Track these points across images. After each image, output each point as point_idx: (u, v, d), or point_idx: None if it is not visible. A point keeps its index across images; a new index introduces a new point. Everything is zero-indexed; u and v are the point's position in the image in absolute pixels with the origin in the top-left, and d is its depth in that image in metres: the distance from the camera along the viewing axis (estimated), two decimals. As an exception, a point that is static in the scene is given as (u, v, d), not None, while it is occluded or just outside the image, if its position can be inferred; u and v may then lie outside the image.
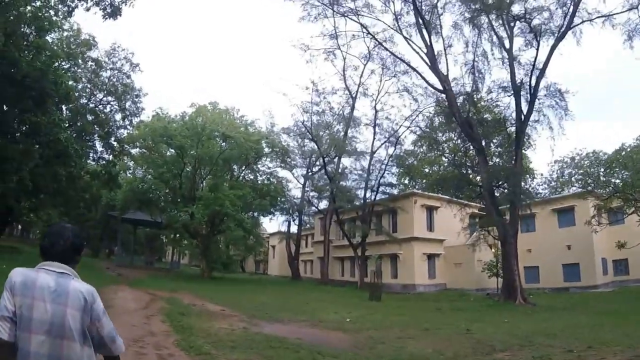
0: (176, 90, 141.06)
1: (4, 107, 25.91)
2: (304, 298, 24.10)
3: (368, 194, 39.98)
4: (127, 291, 19.35)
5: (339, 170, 41.58)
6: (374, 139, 40.86)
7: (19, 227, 56.01)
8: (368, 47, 37.74)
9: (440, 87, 28.33)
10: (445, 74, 27.93)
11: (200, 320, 12.56)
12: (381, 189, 40.18)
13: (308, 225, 55.36)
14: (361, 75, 41.64)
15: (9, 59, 22.26)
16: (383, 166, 40.36)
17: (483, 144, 27.80)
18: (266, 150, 38.12)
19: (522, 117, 26.21)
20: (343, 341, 11.14)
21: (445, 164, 44.00)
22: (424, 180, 47.21)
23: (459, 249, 35.87)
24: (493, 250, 31.06)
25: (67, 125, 31.75)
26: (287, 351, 9.04)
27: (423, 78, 30.55)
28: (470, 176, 31.18)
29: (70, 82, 31.65)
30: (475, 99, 29.09)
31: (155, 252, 57.10)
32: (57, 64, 27.30)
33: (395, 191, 41.89)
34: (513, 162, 26.94)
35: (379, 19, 32.76)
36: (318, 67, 62.92)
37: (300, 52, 42.75)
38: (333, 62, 42.00)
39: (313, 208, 49.96)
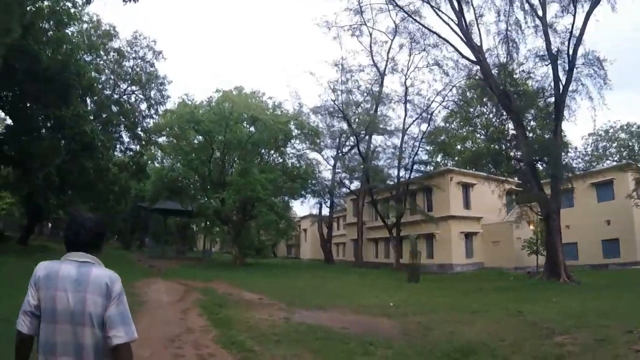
0: (192, 76, 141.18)
1: (27, 103, 26.02)
2: (340, 282, 23.55)
3: (401, 173, 39.21)
4: (160, 283, 18.98)
5: (371, 150, 40.85)
6: (406, 115, 39.93)
7: (50, 225, 56.75)
8: (395, 22, 36.60)
9: (474, 59, 27.20)
10: (478, 44, 26.83)
11: (239, 311, 12.05)
12: (415, 167, 39.37)
13: (339, 207, 54.76)
14: (389, 51, 40.48)
15: (29, 53, 22.04)
16: (416, 143, 39.43)
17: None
18: (295, 132, 37.49)
19: (561, 87, 24.90)
20: (391, 328, 10.48)
21: (480, 140, 42.65)
22: (457, 157, 45.83)
23: (497, 227, 34.95)
24: (532, 227, 30.18)
25: (92, 117, 31.87)
26: (335, 343, 8.44)
27: (456, 49, 29.26)
28: (507, 151, 29.92)
29: (93, 74, 31.71)
30: (510, 70, 27.88)
31: (187, 242, 57.41)
32: (78, 56, 27.20)
33: (429, 169, 40.97)
34: (552, 134, 25.79)
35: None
36: (343, 45, 61.13)
37: (324, 30, 41.20)
38: (359, 38, 40.67)
39: (344, 189, 49.39)
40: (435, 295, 17.79)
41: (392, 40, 39.35)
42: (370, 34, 39.93)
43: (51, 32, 24.86)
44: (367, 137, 41.06)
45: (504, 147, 29.63)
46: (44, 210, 33.62)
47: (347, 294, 17.59)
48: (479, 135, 41.51)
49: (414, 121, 39.66)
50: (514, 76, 28.23)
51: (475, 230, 35.70)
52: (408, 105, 40.13)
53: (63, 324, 2.20)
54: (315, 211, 51.15)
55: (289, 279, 24.60)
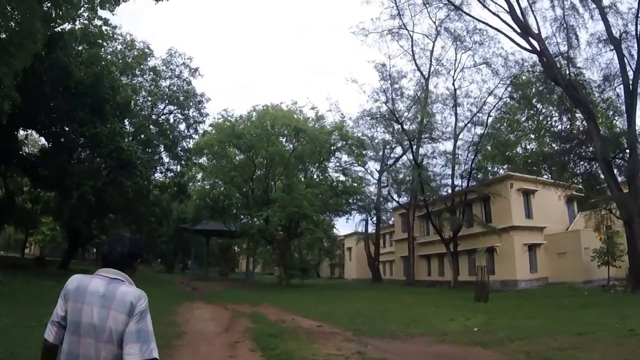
0: (223, 89, 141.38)
1: (61, 123, 25.21)
2: (401, 303, 21.17)
3: (456, 182, 36.74)
4: (203, 308, 17.62)
5: (420, 159, 38.87)
6: (456, 120, 37.67)
7: (94, 249, 56.88)
8: (434, 22, 35.41)
9: (530, 48, 25.29)
10: (536, 32, 25.02)
11: (299, 344, 10.07)
12: (472, 174, 36.67)
13: (385, 223, 52.44)
14: (431, 53, 38.81)
15: (58, 65, 21.07)
16: (471, 148, 36.76)
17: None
18: (339, 144, 36.03)
19: (631, 74, 22.53)
20: (496, 362, 8.70)
21: (536, 142, 40.10)
22: (517, 161, 42.93)
23: (562, 237, 32.03)
24: (599, 235, 27.64)
25: (130, 138, 31.31)
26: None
27: (512, 40, 27.10)
28: (576, 150, 27.41)
29: (129, 92, 31.24)
30: (572, 58, 25.73)
31: (229, 263, 56.72)
32: (112, 70, 26.65)
33: (487, 176, 38.22)
34: (627, 126, 23.30)
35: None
36: (383, 51, 58.34)
37: (361, 37, 39.34)
38: (399, 42, 38.94)
39: (390, 204, 47.58)
40: (518, 316, 15.55)
41: (434, 41, 37.91)
42: (411, 37, 38.36)
43: (84, 52, 24.39)
44: (414, 146, 39.24)
45: (571, 145, 27.20)
46: (84, 234, 33.14)
47: (416, 317, 15.43)
48: (533, 136, 39.11)
49: (465, 125, 37.31)
50: (577, 65, 26.15)
51: (538, 241, 32.77)
52: (458, 109, 38.13)
53: (86, 337, 2.23)
54: (360, 228, 49.30)
55: (343, 301, 22.59)
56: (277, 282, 35.77)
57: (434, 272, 39.98)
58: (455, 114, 37.73)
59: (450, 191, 36.87)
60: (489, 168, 38.64)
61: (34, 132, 29.93)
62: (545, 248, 32.95)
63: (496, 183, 34.22)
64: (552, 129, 30.42)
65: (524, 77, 32.71)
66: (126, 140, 26.99)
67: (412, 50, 38.36)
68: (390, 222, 53.46)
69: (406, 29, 37.01)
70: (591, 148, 24.79)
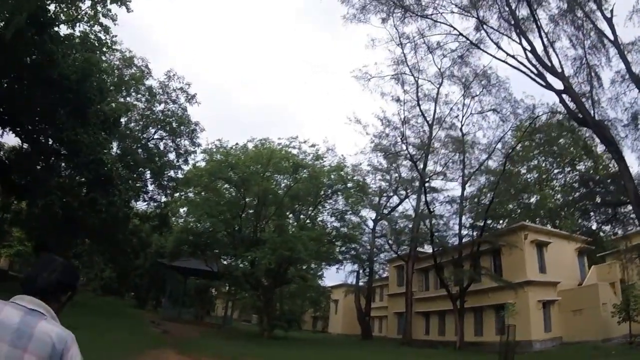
0: (215, 122, 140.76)
1: (39, 119, 23.37)
2: None
3: (464, 232, 34.83)
4: None
5: (420, 208, 37.31)
6: (464, 166, 36.56)
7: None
8: (440, 69, 35.46)
9: (556, 88, 24.41)
10: (559, 71, 24.14)
11: None
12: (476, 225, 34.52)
13: (377, 276, 50.27)
14: (436, 100, 38.14)
15: (44, 51, 19.37)
16: (485, 195, 35.14)
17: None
18: (337, 185, 34.39)
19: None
20: None
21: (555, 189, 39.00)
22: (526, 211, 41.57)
23: (578, 292, 30.02)
24: (614, 289, 25.98)
25: (115, 158, 29.62)
26: None
27: (535, 80, 25.80)
28: (602, 194, 26.15)
29: (120, 106, 29.76)
30: (596, 99, 24.84)
31: (206, 305, 53.97)
32: (104, 78, 25.15)
33: (498, 225, 36.48)
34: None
35: (459, 32, 29.42)
36: (386, 95, 58.06)
37: (363, 82, 38.67)
38: (403, 86, 38.16)
39: (382, 256, 45.73)
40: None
41: (438, 87, 37.28)
42: (417, 81, 37.59)
43: (77, 54, 22.84)
44: (424, 188, 37.83)
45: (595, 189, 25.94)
46: (50, 251, 30.64)
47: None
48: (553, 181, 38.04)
49: (474, 172, 36.22)
50: (601, 105, 25.24)
51: (552, 298, 30.64)
52: (467, 155, 36.80)
53: None
54: (350, 280, 47.00)
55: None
56: (258, 332, 33.09)
57: (433, 331, 37.53)
58: (463, 161, 36.54)
59: (455, 242, 34.93)
60: (501, 220, 36.81)
61: (8, 132, 28.27)
62: (559, 305, 31.02)
63: (509, 234, 32.14)
64: (562, 177, 29.54)
65: (537, 124, 31.99)
66: (106, 151, 25.29)
67: (417, 96, 37.67)
68: (384, 275, 51.44)
69: (412, 74, 36.60)
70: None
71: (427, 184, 37.07)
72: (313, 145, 33.26)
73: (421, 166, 37.65)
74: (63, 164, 28.86)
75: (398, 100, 38.46)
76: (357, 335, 42.88)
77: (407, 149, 38.52)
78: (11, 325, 1.89)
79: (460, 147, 36.15)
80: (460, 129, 36.94)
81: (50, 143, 25.47)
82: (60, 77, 19.92)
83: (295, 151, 33.09)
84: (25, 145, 27.59)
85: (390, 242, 40.84)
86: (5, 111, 23.73)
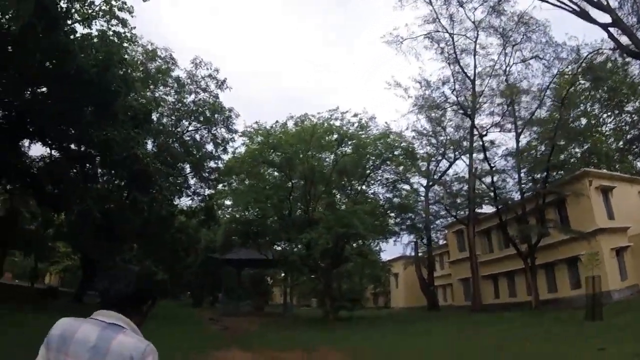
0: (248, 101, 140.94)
1: (63, 120, 23.16)
2: (493, 334, 17.97)
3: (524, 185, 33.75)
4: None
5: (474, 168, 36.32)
6: (515, 119, 35.02)
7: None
8: (474, 22, 34.57)
9: (602, 23, 23.11)
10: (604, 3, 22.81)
11: None
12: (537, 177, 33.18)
13: (435, 244, 49.51)
14: (474, 53, 36.89)
15: (57, 45, 18.73)
16: (542, 146, 33.64)
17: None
18: (386, 154, 33.68)
19: None
20: None
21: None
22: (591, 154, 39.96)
23: None
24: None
25: (150, 151, 29.74)
26: None
27: (579, 16, 24.83)
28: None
29: (149, 99, 29.72)
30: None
31: (263, 295, 54.58)
32: (130, 71, 24.83)
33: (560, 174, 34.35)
34: None
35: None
36: (421, 57, 56.40)
37: (395, 46, 37.47)
38: (439, 45, 36.90)
39: (438, 222, 44.99)
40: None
41: (475, 40, 35.90)
42: (452, 36, 36.24)
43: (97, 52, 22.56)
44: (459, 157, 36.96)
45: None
46: (101, 262, 31.41)
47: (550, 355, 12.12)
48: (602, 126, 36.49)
49: (528, 120, 34.59)
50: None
51: (624, 244, 29.59)
52: (514, 107, 35.50)
53: None
54: (408, 251, 46.77)
55: (420, 336, 19.25)
56: (321, 316, 32.89)
57: (502, 294, 36.85)
58: (514, 112, 35.33)
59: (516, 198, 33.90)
60: (561, 170, 35.46)
61: (36, 142, 28.65)
62: (632, 251, 29.99)
63: (572, 182, 30.89)
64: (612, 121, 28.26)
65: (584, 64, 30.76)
66: (140, 148, 25.19)
67: (455, 52, 36.52)
68: (441, 243, 50.89)
69: (445, 30, 35.66)
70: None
71: (484, 136, 35.93)
72: (355, 115, 32.49)
73: (469, 123, 36.72)
74: (99, 170, 29.26)
75: (436, 58, 37.51)
76: (421, 307, 42.43)
77: (457, 99, 37.30)
78: (88, 342, 1.90)
79: (509, 98, 34.95)
80: (505, 80, 35.78)
81: (79, 147, 25.56)
82: (79, 71, 19.30)
83: (338, 123, 32.66)
84: (53, 153, 28.02)
85: (447, 207, 40.05)
86: (31, 122, 24.03)
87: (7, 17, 18.44)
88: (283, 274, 44.94)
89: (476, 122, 36.23)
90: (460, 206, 38.29)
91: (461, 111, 36.88)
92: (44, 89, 22.43)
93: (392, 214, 35.97)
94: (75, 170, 28.03)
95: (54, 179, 26.55)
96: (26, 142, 27.91)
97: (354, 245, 34.46)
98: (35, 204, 35.56)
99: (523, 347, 14.15)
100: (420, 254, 45.70)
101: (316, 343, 18.01)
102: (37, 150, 28.16)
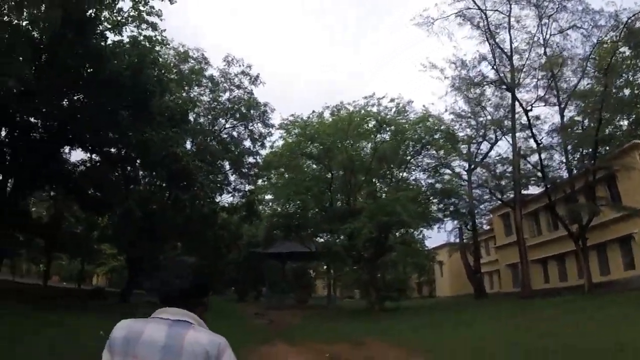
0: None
1: (101, 125, 23.66)
2: (561, 323, 16.34)
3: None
4: (289, 355, 13.82)
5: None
6: (558, 92, 33.51)
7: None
8: None
9: None
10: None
11: None
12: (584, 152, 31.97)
13: (480, 229, 48.42)
14: (509, 28, 35.83)
15: (88, 50, 19.25)
16: (587, 119, 32.13)
17: None
18: (425, 139, 33.30)
19: None
20: None
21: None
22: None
23: None
24: None
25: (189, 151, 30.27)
26: None
27: None
28: None
29: (185, 100, 30.18)
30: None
31: (306, 288, 55.00)
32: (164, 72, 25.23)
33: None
34: None
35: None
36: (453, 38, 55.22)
37: (426, 27, 36.77)
38: (472, 22, 36.04)
39: (482, 207, 44.19)
40: None
41: (508, 15, 34.80)
42: (484, 13, 35.53)
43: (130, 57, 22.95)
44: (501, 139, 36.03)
45: None
46: (146, 262, 32.20)
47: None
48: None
49: (570, 93, 33.61)
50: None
51: None
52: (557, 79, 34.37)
53: None
54: (452, 238, 46.13)
55: (471, 326, 18.57)
56: (366, 307, 32.52)
57: (552, 278, 36.11)
58: (556, 86, 34.35)
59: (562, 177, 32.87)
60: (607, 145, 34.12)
61: (76, 148, 29.40)
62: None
63: (621, 156, 29.61)
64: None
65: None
66: (179, 147, 25.64)
67: (489, 28, 35.63)
68: (486, 228, 50.15)
69: (477, 6, 34.55)
70: None
71: (529, 111, 34.97)
72: (392, 100, 32.21)
73: (509, 101, 35.92)
74: (140, 172, 29.93)
75: (470, 36, 36.78)
76: (467, 296, 41.69)
77: (497, 72, 36.18)
78: (158, 343, 1.84)
79: (549, 71, 34.02)
80: (544, 53, 34.82)
81: (118, 150, 26.14)
82: (113, 75, 19.77)
83: (374, 109, 32.43)
84: (93, 157, 28.82)
85: (491, 190, 39.35)
86: (70, 130, 24.76)
87: (37, 30, 18.97)
88: (325, 266, 45.00)
89: (518, 97, 35.38)
90: (505, 188, 37.59)
91: (503, 86, 35.82)
92: (81, 97, 23.03)
93: (435, 200, 35.48)
94: (116, 174, 28.74)
95: (95, 183, 27.32)
96: (67, 149, 28.93)
97: (397, 234, 34.12)
98: (78, 209, 36.89)
99: (583, 333, 13.64)
100: (465, 241, 45.07)
101: (362, 335, 17.89)
102: (77, 155, 29.32)
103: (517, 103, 34.67)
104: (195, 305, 2.03)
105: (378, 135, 32.03)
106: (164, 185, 29.79)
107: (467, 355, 11.99)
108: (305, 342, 16.72)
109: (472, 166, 40.01)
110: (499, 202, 39.87)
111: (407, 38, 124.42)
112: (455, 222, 41.07)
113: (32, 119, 25.32)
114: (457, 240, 44.76)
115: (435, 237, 73.85)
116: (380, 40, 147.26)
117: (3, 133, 25.93)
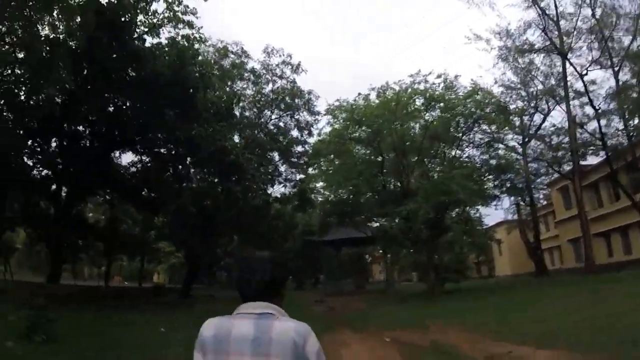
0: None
1: (148, 126, 24.01)
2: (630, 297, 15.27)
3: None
4: (353, 344, 13.26)
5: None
6: (610, 55, 32.37)
7: (224, 273, 58.40)
8: None
9: None
10: None
11: None
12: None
13: (538, 204, 47.31)
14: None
15: (126, 51, 19.81)
16: None
17: None
18: (477, 113, 32.05)
19: None
20: None
21: None
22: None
23: None
24: None
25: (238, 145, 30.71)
26: None
27: None
28: None
29: (229, 94, 30.61)
30: None
31: (363, 273, 55.15)
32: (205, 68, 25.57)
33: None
34: None
35: None
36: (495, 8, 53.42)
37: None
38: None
39: (538, 181, 42.78)
40: None
41: None
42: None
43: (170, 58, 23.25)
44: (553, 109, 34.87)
45: None
46: (204, 257, 32.99)
47: None
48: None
49: (624, 55, 31.67)
50: None
51: None
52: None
53: None
54: (509, 215, 45.17)
55: (537, 306, 17.54)
56: (426, 290, 31.90)
57: (616, 252, 34.93)
58: (608, 48, 32.77)
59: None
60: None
61: (126, 151, 30.38)
62: None
63: None
64: None
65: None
66: (228, 140, 26.04)
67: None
68: (544, 203, 48.92)
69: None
70: None
71: (585, 76, 33.72)
72: (439, 76, 31.58)
73: (560, 68, 34.73)
74: (191, 169, 30.64)
75: (513, 3, 35.48)
76: (528, 274, 40.92)
77: (546, 35, 34.89)
78: (248, 337, 1.91)
79: (600, 33, 32.68)
80: (592, 15, 33.36)
81: (168, 149, 26.78)
82: (154, 75, 20.24)
83: (421, 86, 31.91)
84: (143, 158, 29.70)
85: (548, 162, 38.28)
86: (119, 133, 25.59)
87: (74, 41, 19.59)
88: (381, 251, 44.90)
89: (571, 62, 34.13)
90: (562, 160, 36.56)
91: (554, 52, 34.60)
92: (125, 100, 23.77)
93: (490, 177, 34.65)
94: (168, 173, 29.53)
95: (148, 183, 28.15)
96: (117, 153, 30.00)
97: (453, 214, 33.69)
98: (135, 210, 38.26)
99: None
100: (523, 217, 44.04)
101: (424, 318, 17.60)
102: (127, 158, 30.69)
103: (568, 70, 33.43)
104: (275, 297, 2.09)
105: (427, 114, 31.55)
106: (216, 180, 30.28)
107: (536, 336, 11.40)
108: (368, 328, 16.65)
109: (527, 139, 38.97)
110: (557, 174, 38.75)
111: (445, 13, 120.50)
112: (512, 198, 40.18)
113: (80, 127, 26.42)
114: (515, 217, 43.89)
115: (493, 215, 72.40)
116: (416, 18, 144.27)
117: (54, 144, 27.19)
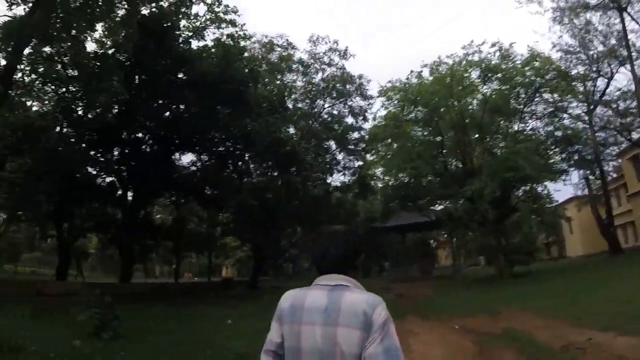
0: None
1: (203, 126, 24.66)
2: None
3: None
4: (422, 333, 12.58)
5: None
6: None
7: (291, 265, 59.81)
8: None
9: None
10: None
11: None
12: None
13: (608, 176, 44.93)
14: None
15: (172, 55, 20.64)
16: None
17: None
18: (537, 81, 30.35)
19: None
20: None
21: None
22: None
23: None
24: None
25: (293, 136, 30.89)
26: None
27: None
28: None
29: (281, 87, 30.84)
30: None
31: (428, 258, 54.38)
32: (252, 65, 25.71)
33: None
34: None
35: None
36: None
37: None
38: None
39: (607, 152, 40.56)
40: None
41: None
42: None
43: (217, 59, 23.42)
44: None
45: None
46: (269, 249, 33.38)
47: None
48: None
49: None
50: None
51: None
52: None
53: None
54: (579, 191, 43.32)
55: (615, 287, 16.47)
56: (494, 274, 30.84)
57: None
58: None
59: None
60: None
61: (186, 152, 31.08)
62: None
63: None
64: None
65: None
66: (283, 132, 26.30)
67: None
68: (614, 176, 46.53)
69: None
70: None
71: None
72: (494, 45, 30.51)
73: (620, 26, 32.70)
74: (251, 165, 31.08)
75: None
76: (601, 253, 38.55)
77: None
78: (320, 307, 1.99)
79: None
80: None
81: (225, 146, 27.19)
82: (203, 75, 20.89)
83: (476, 57, 30.89)
84: (202, 157, 30.32)
85: (617, 129, 36.27)
86: (177, 137, 26.26)
87: (123, 55, 20.31)
88: (446, 235, 44.07)
89: (633, 17, 32.08)
90: (631, 126, 34.63)
91: (612, 7, 32.59)
92: (181, 105, 24.42)
93: (556, 150, 33.24)
94: (228, 170, 30.11)
95: (209, 182, 28.87)
96: (176, 155, 30.82)
97: (520, 193, 32.51)
98: (200, 209, 39.31)
99: None
100: (593, 192, 41.93)
101: (496, 304, 16.91)
102: (187, 158, 32.06)
103: (629, 26, 31.53)
104: (349, 269, 2.19)
105: (485, 86, 30.52)
106: (275, 174, 30.65)
107: (622, 320, 10.50)
108: (437, 315, 16.15)
109: (592, 106, 37.03)
110: (628, 142, 36.70)
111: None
112: (581, 171, 38.42)
113: (139, 134, 27.42)
114: (585, 192, 41.91)
115: (562, 191, 69.57)
116: None
117: (116, 152, 28.35)
